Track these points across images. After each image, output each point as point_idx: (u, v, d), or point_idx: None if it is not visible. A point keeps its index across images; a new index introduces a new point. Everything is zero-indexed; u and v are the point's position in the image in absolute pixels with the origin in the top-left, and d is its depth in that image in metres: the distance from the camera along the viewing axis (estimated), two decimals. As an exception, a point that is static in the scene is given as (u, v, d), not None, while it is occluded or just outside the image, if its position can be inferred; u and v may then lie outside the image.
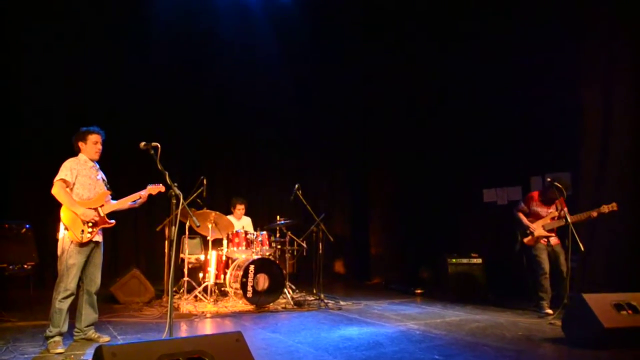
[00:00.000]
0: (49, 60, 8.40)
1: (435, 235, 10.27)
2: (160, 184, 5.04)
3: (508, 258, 8.37)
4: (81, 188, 4.69)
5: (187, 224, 7.21)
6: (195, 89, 9.99)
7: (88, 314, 4.74)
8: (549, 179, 6.65)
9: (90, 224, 4.57)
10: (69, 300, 4.52)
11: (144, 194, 4.97)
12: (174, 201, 4.52)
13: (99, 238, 4.76)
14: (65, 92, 8.53)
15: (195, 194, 7.04)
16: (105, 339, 4.77)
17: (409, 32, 10.33)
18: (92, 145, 4.82)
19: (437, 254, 9.10)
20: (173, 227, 4.14)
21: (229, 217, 7.61)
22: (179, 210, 4.30)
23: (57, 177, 4.57)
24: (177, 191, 4.39)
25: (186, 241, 7.47)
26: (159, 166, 4.22)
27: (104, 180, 4.93)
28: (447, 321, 5.96)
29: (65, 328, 4.50)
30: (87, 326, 4.75)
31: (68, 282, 4.48)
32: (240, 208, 8.18)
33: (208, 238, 7.07)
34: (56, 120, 8.30)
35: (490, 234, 9.11)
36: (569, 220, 6.13)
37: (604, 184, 7.15)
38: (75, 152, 4.84)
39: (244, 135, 10.47)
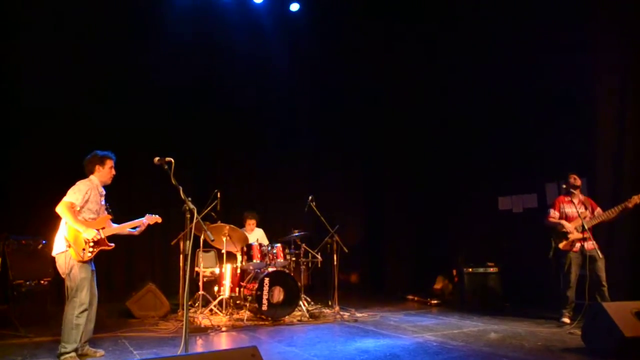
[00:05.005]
0: (58, 72, 8.48)
1: (451, 244, 10.19)
2: (158, 216, 5.16)
3: (525, 266, 8.33)
4: (87, 212, 4.77)
5: (202, 237, 7.23)
6: (208, 102, 10.05)
7: (88, 330, 4.76)
8: (564, 186, 6.63)
9: (91, 243, 4.62)
10: (85, 315, 4.57)
11: (145, 222, 5.06)
12: (188, 215, 4.53)
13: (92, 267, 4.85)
14: (74, 106, 8.62)
15: (209, 208, 7.07)
16: (100, 353, 4.79)
17: (426, 35, 10.27)
18: (108, 170, 4.97)
19: (453, 264, 9.03)
20: (188, 241, 4.15)
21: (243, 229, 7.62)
22: (194, 224, 4.32)
23: (67, 199, 4.62)
24: (191, 206, 4.42)
25: (201, 255, 7.50)
26: (173, 181, 4.25)
27: (106, 205, 5.03)
28: (464, 332, 5.89)
29: (79, 344, 4.55)
30: (85, 342, 4.76)
31: (82, 297, 4.54)
32: (250, 223, 8.19)
33: (222, 251, 7.08)
34: (63, 136, 8.39)
35: (506, 243, 9.01)
36: (585, 225, 6.06)
37: (621, 186, 7.05)
38: (85, 174, 4.91)
39: (257, 148, 10.50)
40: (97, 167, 4.91)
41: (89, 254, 4.60)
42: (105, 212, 4.96)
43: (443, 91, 10.34)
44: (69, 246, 4.55)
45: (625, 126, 7.20)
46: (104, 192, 5.01)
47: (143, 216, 5.12)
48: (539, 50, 8.41)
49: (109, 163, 4.97)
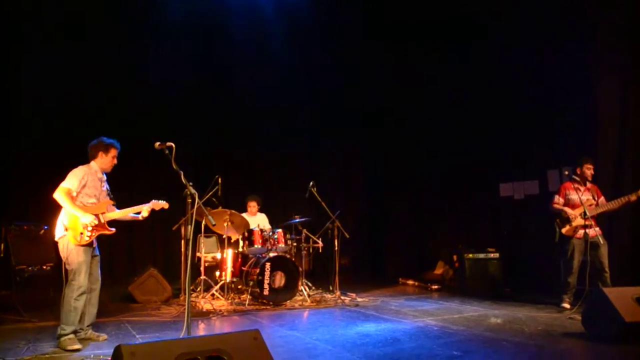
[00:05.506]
0: (60, 62, 8.44)
1: (451, 230, 10.22)
2: (164, 201, 5.12)
3: (525, 252, 8.35)
4: (86, 197, 4.77)
5: (203, 222, 7.24)
6: (210, 88, 10.04)
7: (91, 313, 4.81)
8: (566, 172, 6.60)
9: (89, 228, 4.62)
10: (84, 298, 4.59)
11: (147, 207, 5.02)
12: (190, 200, 4.55)
13: (95, 252, 4.88)
14: (77, 93, 8.61)
15: (210, 193, 7.08)
16: (103, 337, 4.81)
17: (424, 31, 10.20)
18: (111, 158, 4.96)
19: (454, 249, 9.05)
20: (189, 226, 4.16)
21: (244, 214, 7.64)
22: (195, 210, 4.32)
23: (63, 184, 4.62)
24: (193, 190, 4.43)
25: (202, 240, 7.51)
26: (174, 166, 4.25)
27: (107, 190, 5.01)
28: (465, 317, 5.92)
29: (79, 326, 4.60)
30: (88, 325, 4.80)
31: (81, 280, 4.56)
32: (252, 205, 8.19)
33: (224, 236, 7.10)
34: (68, 122, 8.38)
35: (507, 229, 9.02)
36: (587, 213, 6.06)
37: (623, 175, 7.05)
38: (87, 158, 4.90)
39: (259, 133, 10.49)
40: (100, 153, 4.90)
41: (87, 238, 4.61)
42: (107, 197, 4.95)
43: (445, 80, 10.27)
44: (66, 229, 4.57)
45: (627, 114, 7.17)
46: (104, 178, 5.01)
47: (146, 202, 5.10)
48: (540, 40, 8.37)
49: (113, 152, 4.96)
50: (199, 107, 9.84)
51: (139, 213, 5.04)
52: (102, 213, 4.78)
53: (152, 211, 5.10)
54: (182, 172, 4.29)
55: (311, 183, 7.55)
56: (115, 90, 9.02)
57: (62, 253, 4.61)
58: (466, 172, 10.01)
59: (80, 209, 4.62)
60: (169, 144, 4.32)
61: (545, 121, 8.39)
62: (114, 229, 4.89)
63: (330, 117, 11.06)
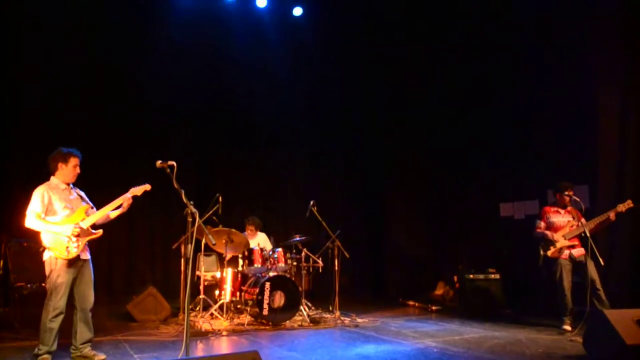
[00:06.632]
0: (59, 73, 8.55)
1: (452, 250, 10.18)
2: (146, 184, 4.99)
3: (526, 273, 8.31)
4: (59, 212, 4.65)
5: (203, 241, 7.23)
6: (210, 106, 10.09)
7: (82, 332, 4.73)
8: (558, 195, 6.66)
9: (73, 238, 4.55)
10: (59, 319, 4.53)
11: (125, 198, 4.86)
12: (190, 219, 4.53)
13: (85, 256, 4.77)
14: (75, 107, 8.68)
15: (211, 212, 7.07)
16: (100, 357, 4.74)
17: (425, 42, 10.28)
18: (72, 168, 4.77)
19: (454, 270, 9.01)
20: (189, 245, 4.15)
21: (245, 234, 7.63)
22: (195, 228, 4.32)
23: (29, 210, 4.54)
24: (193, 209, 4.43)
25: (202, 259, 7.49)
26: (175, 185, 4.26)
27: (80, 196, 4.89)
28: (465, 338, 5.88)
29: (54, 347, 4.53)
30: (83, 344, 4.74)
31: (57, 301, 4.50)
32: (250, 229, 8.20)
33: (224, 255, 7.07)
34: (64, 137, 8.36)
35: (507, 249, 8.99)
36: (587, 232, 6.07)
37: (623, 193, 7.05)
38: (49, 171, 4.77)
39: (259, 152, 10.52)
40: (60, 164, 4.72)
41: (75, 250, 4.55)
42: (83, 203, 4.82)
43: (444, 98, 10.35)
44: (50, 249, 4.52)
45: (627, 134, 7.20)
46: (70, 186, 4.82)
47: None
48: (540, 56, 8.43)
49: (73, 161, 4.75)
50: (199, 123, 9.90)
51: (120, 207, 4.89)
52: (82, 219, 4.68)
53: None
54: (183, 191, 4.30)
55: (312, 202, 7.55)
56: (117, 107, 9.09)
57: (47, 272, 4.56)
58: (466, 192, 10.02)
59: (56, 224, 4.56)
60: (170, 162, 4.32)
61: (545, 141, 8.42)
62: (100, 231, 4.79)
63: (331, 131, 11.11)
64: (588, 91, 7.66)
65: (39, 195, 4.60)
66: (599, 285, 6.12)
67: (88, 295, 4.79)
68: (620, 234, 6.99)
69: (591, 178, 7.55)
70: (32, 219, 4.52)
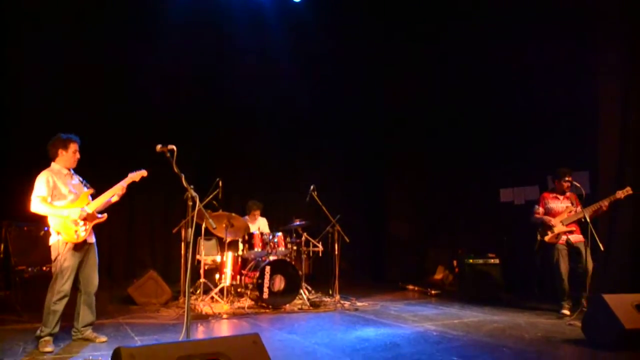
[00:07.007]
0: (61, 64, 8.49)
1: (452, 235, 10.20)
2: (143, 170, 5.01)
3: (525, 258, 8.33)
4: (62, 197, 4.66)
5: (203, 225, 7.24)
6: (211, 91, 10.06)
7: (85, 315, 4.77)
8: (556, 182, 6.68)
9: (81, 222, 4.58)
10: (63, 302, 4.56)
11: (124, 184, 4.90)
12: (190, 203, 4.53)
13: (91, 239, 4.80)
14: (78, 96, 8.64)
15: (211, 196, 7.07)
16: (101, 339, 4.77)
17: (427, 31, 10.21)
18: (72, 154, 4.80)
19: (454, 254, 9.04)
20: (189, 229, 4.15)
21: (245, 218, 7.63)
22: (195, 212, 4.32)
23: (35, 194, 4.54)
24: (193, 193, 4.42)
25: (202, 243, 7.51)
26: (175, 169, 4.25)
27: (81, 181, 4.91)
28: (464, 322, 5.91)
29: (56, 329, 4.55)
30: (84, 326, 4.78)
31: (62, 284, 4.52)
32: (255, 214, 8.24)
33: (224, 240, 7.09)
34: (66, 123, 8.35)
35: (507, 234, 9.01)
36: (587, 217, 6.07)
37: (623, 180, 7.04)
38: (49, 158, 4.79)
39: (259, 136, 10.52)
40: (60, 151, 4.75)
41: (83, 233, 4.58)
42: (85, 188, 4.85)
43: (445, 86, 10.29)
44: (59, 234, 4.54)
45: (628, 119, 7.17)
46: (71, 172, 4.85)
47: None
48: (542, 45, 8.38)
49: (73, 146, 4.79)
50: (201, 109, 9.86)
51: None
52: (87, 203, 4.71)
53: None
54: (183, 175, 4.29)
55: (312, 187, 7.54)
56: (115, 91, 9.04)
57: (53, 255, 4.59)
58: (467, 177, 10.02)
59: (62, 207, 4.58)
60: (170, 146, 4.30)
61: (545, 127, 8.40)
62: (105, 214, 4.84)
63: (331, 120, 11.08)
64: (589, 78, 7.61)
65: (43, 180, 4.61)
66: (589, 274, 6.13)
67: (93, 279, 4.82)
68: (620, 220, 6.99)
69: (592, 164, 7.53)
70: (38, 203, 4.52)
